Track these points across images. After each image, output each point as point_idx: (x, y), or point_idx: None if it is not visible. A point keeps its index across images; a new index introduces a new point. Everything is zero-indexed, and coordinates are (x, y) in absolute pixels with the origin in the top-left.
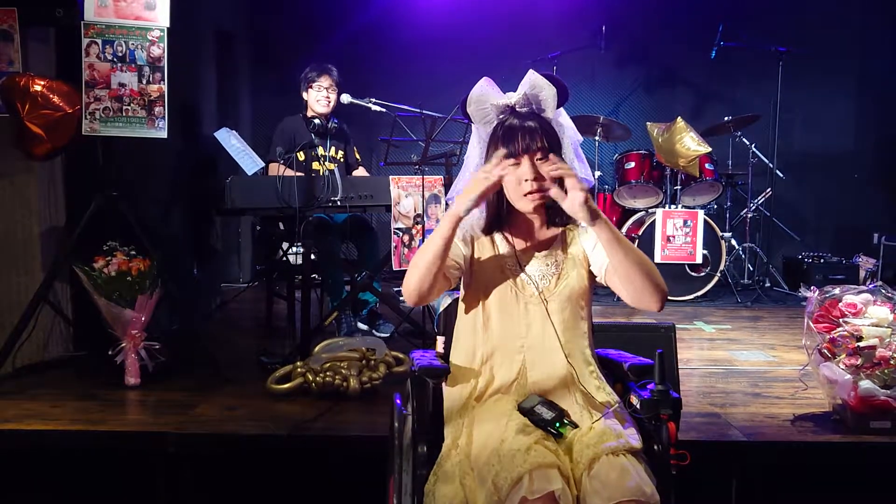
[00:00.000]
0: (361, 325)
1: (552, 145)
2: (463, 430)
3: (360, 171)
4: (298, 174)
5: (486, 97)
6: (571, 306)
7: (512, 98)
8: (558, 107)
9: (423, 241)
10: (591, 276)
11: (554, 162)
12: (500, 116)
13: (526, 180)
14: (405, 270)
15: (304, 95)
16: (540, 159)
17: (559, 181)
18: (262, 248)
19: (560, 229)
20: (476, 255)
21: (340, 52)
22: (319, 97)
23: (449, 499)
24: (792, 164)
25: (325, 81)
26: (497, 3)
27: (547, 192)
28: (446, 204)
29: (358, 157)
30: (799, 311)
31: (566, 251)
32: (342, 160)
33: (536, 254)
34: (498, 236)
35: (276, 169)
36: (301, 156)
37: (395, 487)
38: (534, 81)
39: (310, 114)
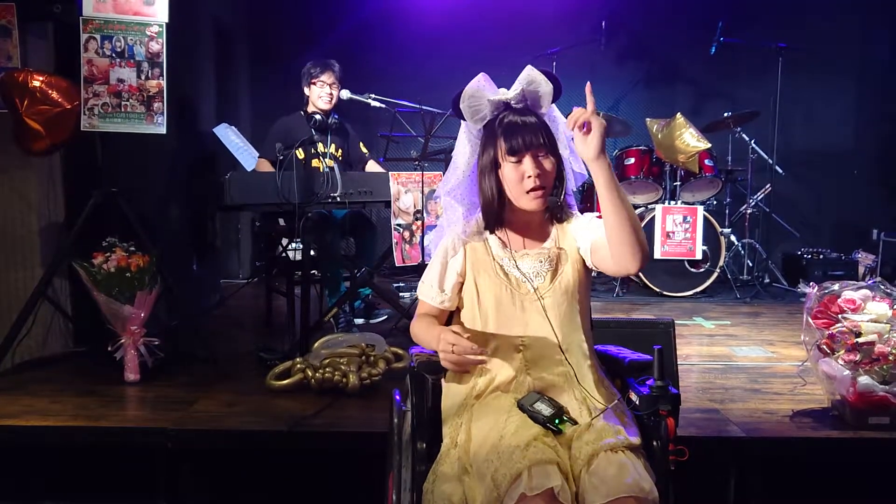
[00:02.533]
0: (357, 321)
1: (550, 141)
2: (462, 427)
3: (372, 165)
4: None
5: (481, 93)
6: (568, 302)
7: (508, 94)
8: (552, 102)
9: (422, 237)
10: (586, 269)
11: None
12: (495, 112)
13: (529, 177)
14: (406, 266)
15: (306, 91)
16: (542, 156)
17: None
18: (262, 244)
19: (553, 226)
20: (470, 260)
21: (339, 48)
22: (322, 94)
23: (448, 496)
24: (791, 161)
25: (328, 78)
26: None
27: (550, 188)
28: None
29: (365, 150)
30: (798, 307)
31: (560, 247)
32: (342, 157)
33: (530, 251)
34: (491, 237)
35: (265, 166)
36: (300, 153)
37: (395, 483)
38: (531, 77)
39: (311, 109)
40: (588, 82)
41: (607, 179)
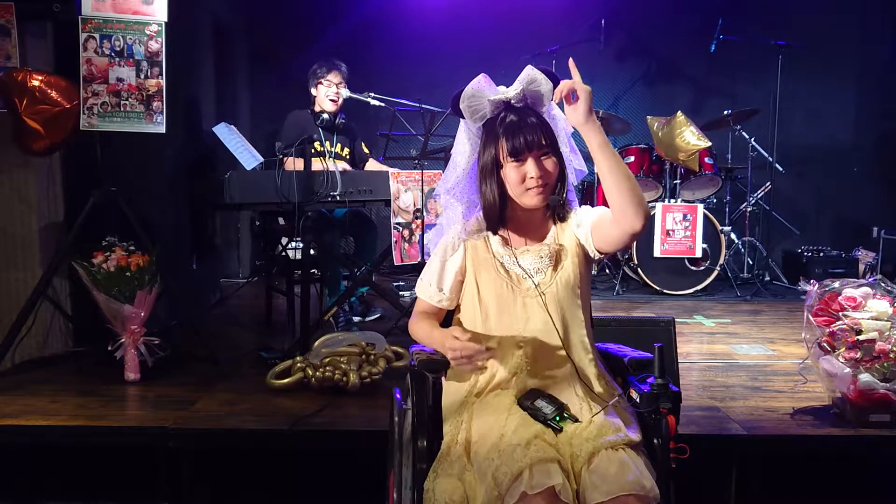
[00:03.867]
0: (355, 318)
1: (551, 140)
2: (462, 426)
3: (373, 164)
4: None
5: (481, 93)
6: (568, 297)
7: (509, 93)
8: (551, 100)
9: (422, 236)
10: (587, 265)
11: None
12: (495, 111)
13: (531, 177)
14: (405, 265)
15: (313, 91)
16: (544, 156)
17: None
18: (261, 243)
19: (554, 223)
20: (470, 258)
21: (339, 46)
22: (329, 93)
23: (449, 494)
24: (791, 158)
25: (334, 77)
26: None
27: (551, 185)
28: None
29: (366, 150)
30: (798, 305)
31: (560, 243)
32: (348, 157)
33: (530, 248)
34: (491, 234)
35: (292, 163)
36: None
37: (395, 482)
38: (532, 76)
39: (317, 109)
40: (570, 58)
41: (600, 142)
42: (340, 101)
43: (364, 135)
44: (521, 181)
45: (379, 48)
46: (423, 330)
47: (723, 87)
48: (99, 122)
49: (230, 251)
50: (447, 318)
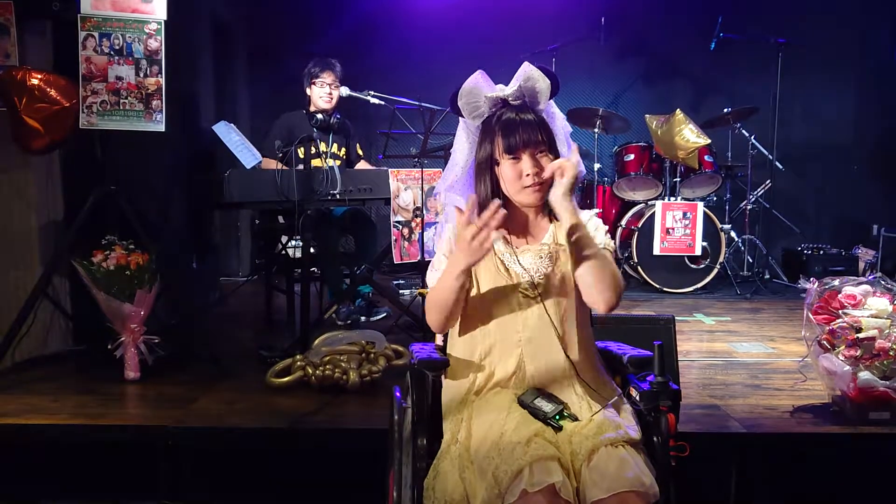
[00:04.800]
0: (360, 318)
1: (548, 138)
2: (462, 424)
3: (362, 164)
4: (284, 168)
5: (478, 90)
6: (568, 297)
7: (506, 90)
8: (549, 98)
9: (422, 234)
10: None
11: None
12: (493, 109)
13: (527, 175)
14: (405, 263)
15: (308, 91)
16: (540, 153)
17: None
18: (261, 242)
19: (551, 221)
20: None
21: (339, 44)
22: (322, 93)
23: (449, 492)
24: (791, 156)
25: (328, 77)
26: None
27: (548, 183)
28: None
29: (360, 152)
30: (798, 303)
31: (558, 243)
32: (344, 157)
33: (530, 247)
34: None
35: (271, 164)
36: (300, 152)
37: (395, 480)
38: (529, 73)
39: (312, 109)
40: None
41: (578, 237)
42: (335, 100)
43: (364, 133)
44: (518, 178)
45: (378, 46)
46: (433, 289)
47: (723, 85)
48: (98, 121)
49: (230, 250)
50: None
